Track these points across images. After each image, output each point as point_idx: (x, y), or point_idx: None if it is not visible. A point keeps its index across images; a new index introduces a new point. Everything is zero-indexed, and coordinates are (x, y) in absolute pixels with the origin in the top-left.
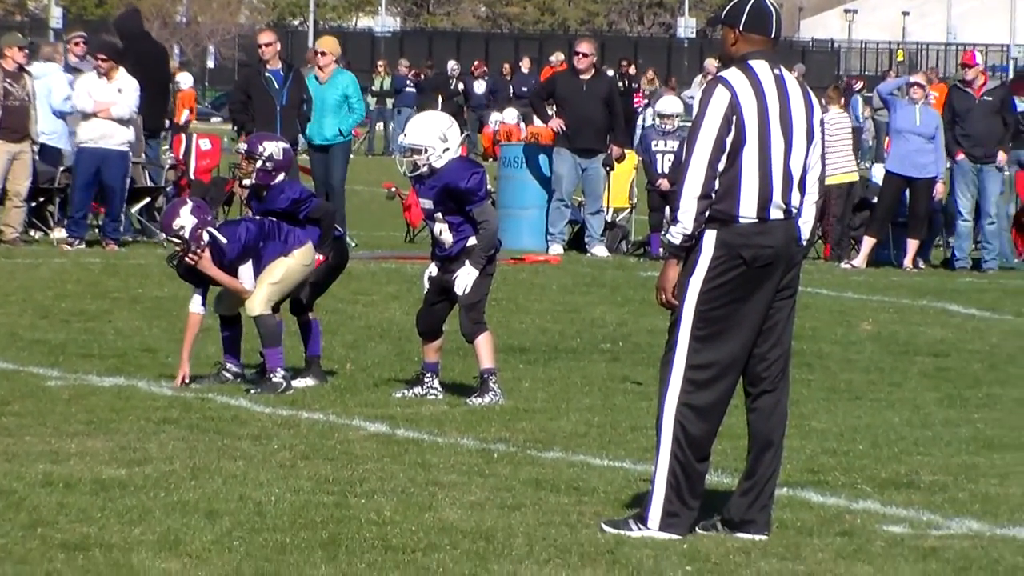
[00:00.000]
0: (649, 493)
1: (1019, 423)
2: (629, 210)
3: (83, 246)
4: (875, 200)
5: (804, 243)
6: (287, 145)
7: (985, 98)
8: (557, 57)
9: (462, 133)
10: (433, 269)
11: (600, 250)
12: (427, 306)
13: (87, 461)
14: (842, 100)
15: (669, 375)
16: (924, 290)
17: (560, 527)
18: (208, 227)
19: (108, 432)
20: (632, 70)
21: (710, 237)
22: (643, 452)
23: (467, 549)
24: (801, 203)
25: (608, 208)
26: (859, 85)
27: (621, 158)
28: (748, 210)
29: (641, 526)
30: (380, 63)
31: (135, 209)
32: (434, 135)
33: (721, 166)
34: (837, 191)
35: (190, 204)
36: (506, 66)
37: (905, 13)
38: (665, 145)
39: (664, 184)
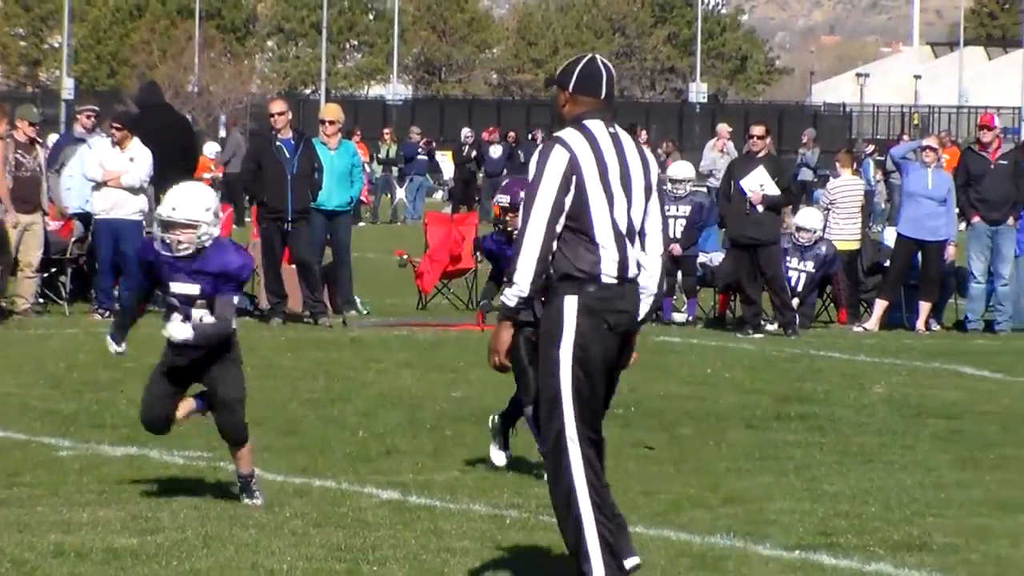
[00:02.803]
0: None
1: None
2: None
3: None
4: (887, 263)
5: (653, 298)
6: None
7: (1001, 162)
8: None
9: (476, 199)
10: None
11: None
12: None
13: (99, 531)
14: (854, 164)
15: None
16: (936, 352)
17: None
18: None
19: (120, 501)
20: (644, 135)
21: (570, 301)
22: (654, 516)
23: None
24: (644, 258)
25: None
26: (870, 149)
27: None
28: (609, 269)
29: None
30: (387, 131)
31: None
32: None
33: (559, 227)
34: (841, 258)
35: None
36: (516, 134)
37: (917, 77)
38: (677, 210)
39: (676, 249)
